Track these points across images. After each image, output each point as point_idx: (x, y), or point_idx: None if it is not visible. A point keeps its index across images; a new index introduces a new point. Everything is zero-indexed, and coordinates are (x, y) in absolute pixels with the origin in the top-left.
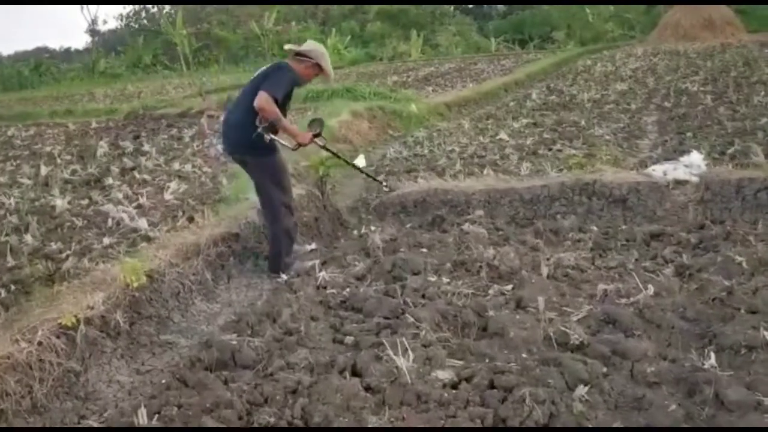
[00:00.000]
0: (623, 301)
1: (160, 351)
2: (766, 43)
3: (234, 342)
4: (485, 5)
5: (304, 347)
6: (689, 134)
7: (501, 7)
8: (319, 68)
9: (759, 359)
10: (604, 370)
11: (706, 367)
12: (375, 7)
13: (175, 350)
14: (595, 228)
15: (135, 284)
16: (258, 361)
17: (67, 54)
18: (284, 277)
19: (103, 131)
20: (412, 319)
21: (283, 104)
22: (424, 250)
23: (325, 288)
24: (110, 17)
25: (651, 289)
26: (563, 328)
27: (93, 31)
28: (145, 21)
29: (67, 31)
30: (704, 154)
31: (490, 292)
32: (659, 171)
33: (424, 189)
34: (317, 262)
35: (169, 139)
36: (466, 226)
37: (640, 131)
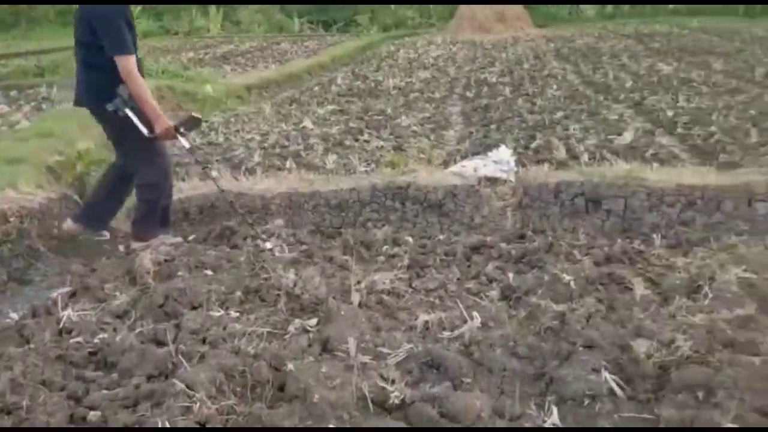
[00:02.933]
0: (447, 334)
1: None
2: (551, 38)
3: None
4: None
5: None
6: (493, 126)
7: None
8: None
9: (604, 411)
10: None
11: (548, 425)
12: None
13: None
14: (410, 239)
15: None
16: None
17: None
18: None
19: None
20: (182, 386)
21: (135, 46)
22: (209, 272)
23: (69, 333)
24: None
25: (477, 319)
26: (381, 383)
27: None
28: None
29: None
30: (511, 149)
31: (291, 329)
32: (469, 167)
33: (212, 192)
34: (62, 293)
35: None
36: (261, 242)
37: (446, 122)
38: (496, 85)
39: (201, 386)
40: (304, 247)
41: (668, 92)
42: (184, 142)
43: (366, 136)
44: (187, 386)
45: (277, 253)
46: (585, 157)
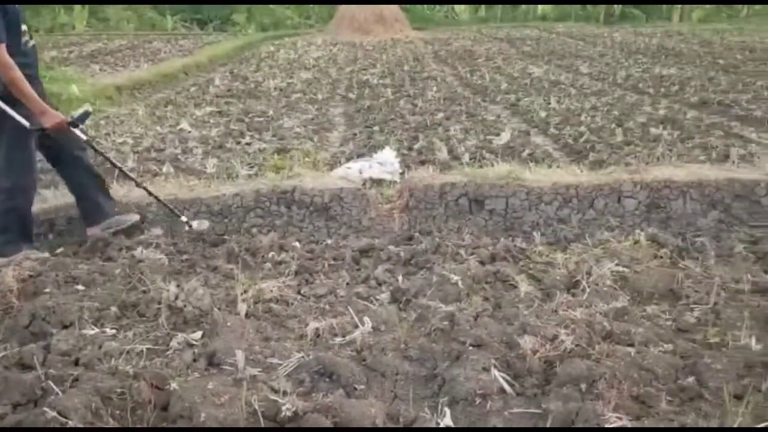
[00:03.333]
0: (338, 341)
1: None
2: (429, 41)
3: None
4: None
5: None
6: (376, 128)
7: None
8: None
9: (494, 409)
10: None
11: (442, 426)
12: None
13: None
14: (297, 245)
15: None
16: None
17: None
18: None
19: None
20: (53, 413)
21: (15, 33)
22: (81, 287)
23: None
24: None
25: (368, 324)
26: (271, 396)
27: None
28: None
29: None
30: (395, 151)
31: (174, 344)
32: (354, 169)
33: None
34: None
35: None
36: (139, 251)
37: (329, 123)
38: (377, 87)
39: (75, 413)
40: (185, 256)
41: (540, 94)
42: (80, 135)
43: (248, 139)
44: (59, 413)
45: (156, 264)
46: (466, 158)
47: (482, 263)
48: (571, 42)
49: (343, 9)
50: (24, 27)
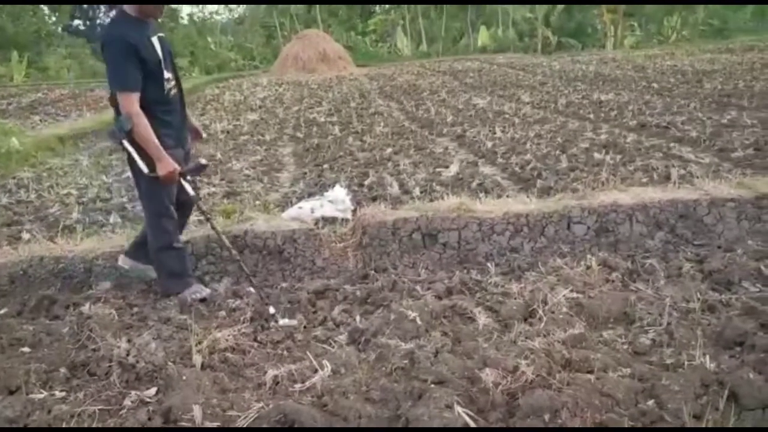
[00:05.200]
0: (298, 387)
1: None
2: (373, 77)
3: None
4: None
5: None
6: (326, 166)
7: None
8: None
9: None
10: None
11: None
12: None
13: None
14: (252, 290)
15: None
16: None
17: None
18: None
19: None
20: None
21: (154, 81)
22: (27, 349)
23: None
24: None
25: (328, 367)
26: None
27: None
28: None
29: None
30: (346, 188)
31: (127, 402)
32: (306, 208)
33: (25, 258)
34: None
35: None
36: (87, 307)
37: (279, 164)
38: (325, 125)
39: None
40: (135, 309)
41: (485, 124)
42: (188, 188)
43: (197, 183)
44: None
45: (105, 320)
46: (417, 191)
47: (439, 298)
48: (511, 72)
49: (286, 49)
50: (168, 75)
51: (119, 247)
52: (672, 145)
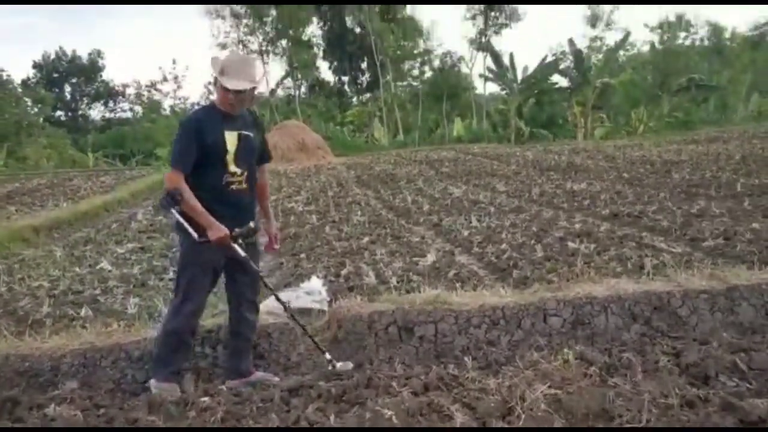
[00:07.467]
0: None
1: None
2: (351, 166)
3: None
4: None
5: None
6: (303, 255)
7: (98, 121)
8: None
9: None
10: None
11: None
12: None
13: None
14: (224, 388)
15: None
16: None
17: None
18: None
19: None
20: None
21: (213, 169)
22: None
23: None
24: None
25: None
26: None
27: None
28: None
29: None
30: (322, 278)
31: None
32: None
33: None
34: None
35: None
36: (51, 409)
37: None
38: (303, 214)
39: None
40: (102, 411)
41: (461, 213)
42: (240, 251)
43: (171, 275)
44: None
45: (70, 422)
46: (394, 281)
47: (416, 394)
48: (486, 162)
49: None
50: (235, 169)
51: (88, 344)
52: (644, 234)
